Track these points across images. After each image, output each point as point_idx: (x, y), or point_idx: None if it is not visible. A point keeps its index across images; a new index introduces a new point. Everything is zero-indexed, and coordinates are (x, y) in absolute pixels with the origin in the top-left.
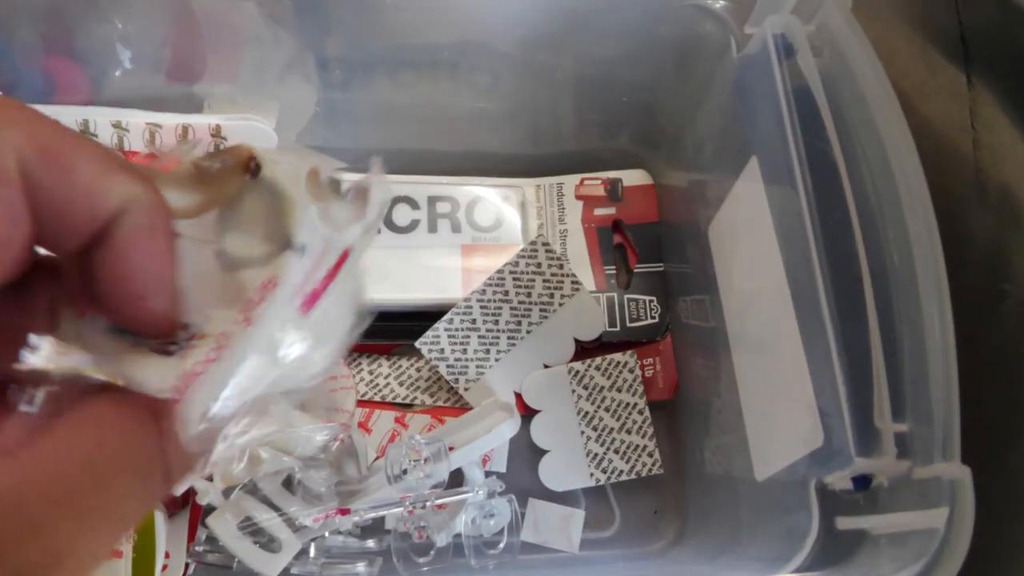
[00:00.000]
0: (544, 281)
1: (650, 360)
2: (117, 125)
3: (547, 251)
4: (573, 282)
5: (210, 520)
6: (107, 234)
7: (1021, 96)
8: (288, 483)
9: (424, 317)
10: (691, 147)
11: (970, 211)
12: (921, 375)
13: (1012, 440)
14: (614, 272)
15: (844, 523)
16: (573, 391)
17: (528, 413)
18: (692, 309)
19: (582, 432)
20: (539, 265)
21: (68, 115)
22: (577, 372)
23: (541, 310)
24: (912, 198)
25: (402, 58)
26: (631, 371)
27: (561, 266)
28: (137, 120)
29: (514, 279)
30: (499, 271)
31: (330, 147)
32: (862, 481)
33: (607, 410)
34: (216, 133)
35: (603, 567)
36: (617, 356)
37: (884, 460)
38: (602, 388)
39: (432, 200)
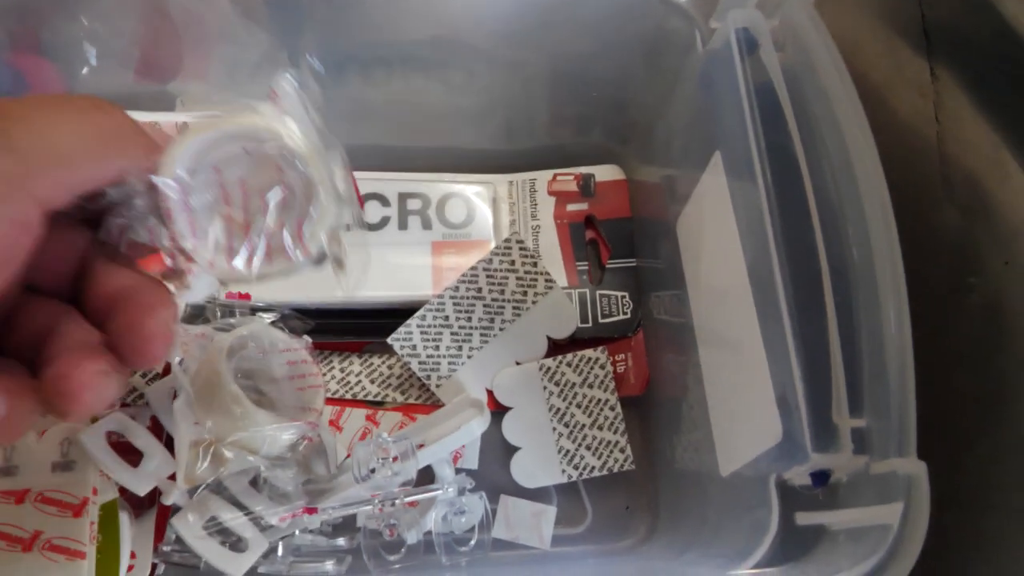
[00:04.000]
0: (518, 279)
1: (622, 356)
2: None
3: (521, 249)
4: (546, 280)
5: (174, 520)
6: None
7: (984, 88)
8: (255, 482)
9: (395, 314)
10: (661, 142)
11: (936, 204)
12: (879, 371)
13: (976, 434)
14: (586, 268)
15: (803, 519)
16: (545, 388)
17: (500, 410)
18: (663, 305)
19: (554, 428)
20: (513, 263)
21: None
22: (549, 369)
23: (514, 307)
24: (871, 194)
25: (375, 55)
26: (602, 367)
27: (535, 264)
28: None
29: (488, 276)
30: (472, 268)
31: None
32: (821, 476)
33: (579, 406)
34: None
35: (574, 563)
36: (589, 352)
37: (841, 456)
38: (574, 384)
39: (403, 197)
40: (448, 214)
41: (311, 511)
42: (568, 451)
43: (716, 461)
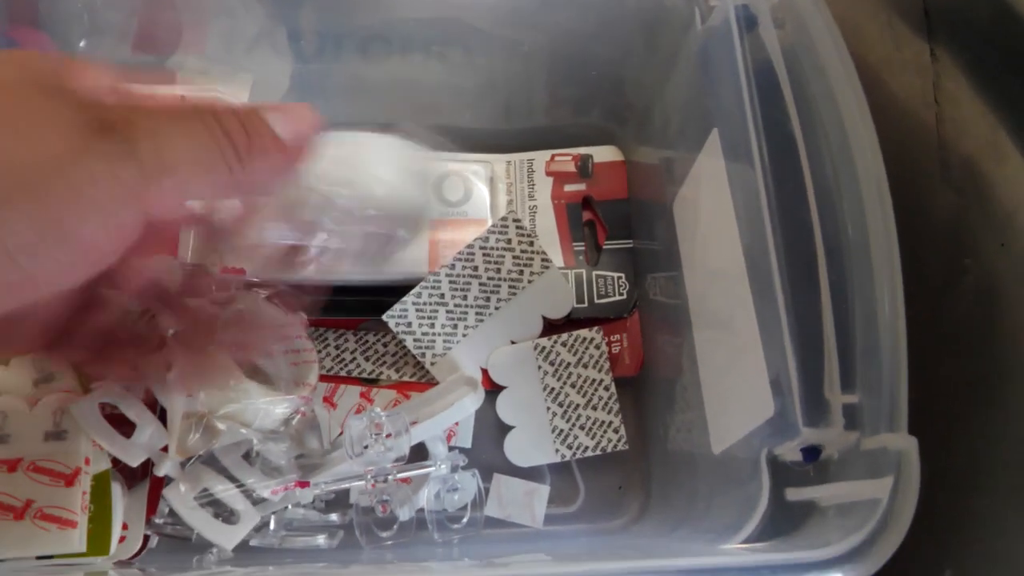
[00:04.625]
0: (514, 258)
1: (617, 337)
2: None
3: (518, 227)
4: (543, 259)
5: (166, 491)
6: None
7: (983, 70)
8: (248, 455)
9: (390, 292)
10: (658, 122)
11: (933, 186)
12: (871, 347)
13: (968, 415)
14: (583, 248)
15: (794, 494)
16: (539, 367)
17: (494, 389)
18: (659, 286)
19: (548, 408)
20: (509, 241)
21: None
22: (543, 348)
23: (510, 286)
24: (868, 172)
25: (374, 32)
26: (597, 347)
27: (531, 243)
28: None
29: (484, 254)
30: (469, 246)
31: None
32: (812, 452)
33: (573, 386)
34: None
35: (566, 542)
36: (584, 332)
37: (832, 431)
38: (568, 364)
39: None
40: (445, 192)
41: (303, 485)
42: (562, 431)
43: (708, 439)
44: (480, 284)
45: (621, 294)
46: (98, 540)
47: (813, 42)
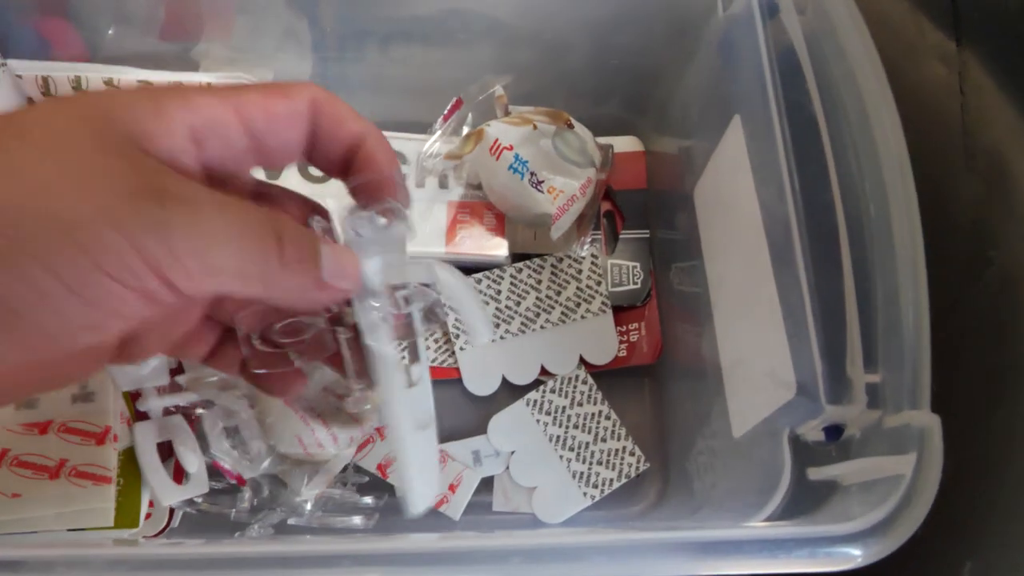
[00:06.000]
0: (578, 288)
1: (635, 325)
2: (108, 82)
3: (593, 263)
4: (603, 302)
5: (137, 427)
6: (357, 148)
7: (1009, 60)
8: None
9: None
10: (678, 110)
11: (957, 176)
12: (894, 325)
13: (991, 405)
14: (600, 237)
15: (815, 473)
16: (538, 421)
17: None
18: (678, 273)
19: (561, 457)
20: (580, 272)
21: (61, 71)
22: (535, 401)
23: (563, 313)
24: (889, 150)
25: (394, 29)
26: (584, 382)
27: (599, 283)
28: (128, 78)
29: (551, 273)
30: (542, 259)
31: None
32: (834, 431)
33: (576, 427)
34: None
35: (583, 527)
36: (567, 373)
37: (855, 408)
38: (564, 408)
39: (421, 156)
40: (465, 175)
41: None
42: (582, 473)
43: (728, 422)
44: (537, 298)
45: (635, 283)
46: (127, 512)
47: (835, 28)
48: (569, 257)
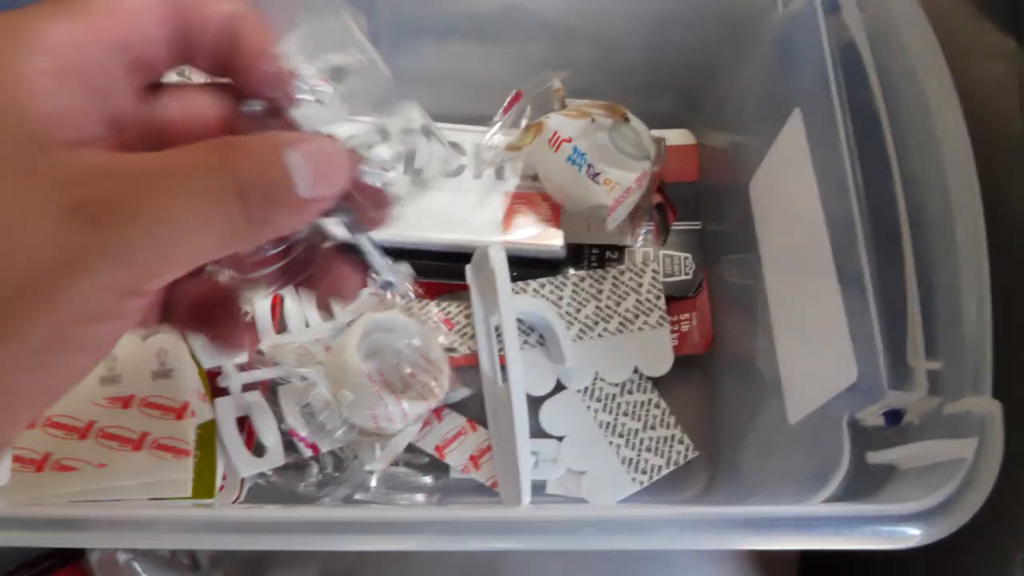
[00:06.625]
0: (637, 301)
1: (687, 315)
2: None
3: (654, 276)
4: (661, 316)
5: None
6: (230, 34)
7: None
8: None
9: (464, 259)
10: (733, 106)
11: (1014, 175)
12: (955, 314)
13: None
14: (652, 228)
15: (874, 457)
16: (588, 407)
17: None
18: (729, 265)
19: (610, 443)
20: (640, 285)
21: None
22: (587, 388)
23: (620, 323)
24: (951, 143)
25: (449, 24)
26: (635, 371)
27: (659, 296)
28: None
29: (614, 284)
30: (604, 270)
31: None
32: (894, 416)
33: (626, 414)
34: None
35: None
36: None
37: (915, 395)
38: (613, 396)
39: (478, 148)
40: (521, 167)
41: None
42: (631, 460)
43: (783, 409)
44: (596, 307)
45: (687, 274)
46: (204, 484)
47: (897, 24)
48: (631, 270)
